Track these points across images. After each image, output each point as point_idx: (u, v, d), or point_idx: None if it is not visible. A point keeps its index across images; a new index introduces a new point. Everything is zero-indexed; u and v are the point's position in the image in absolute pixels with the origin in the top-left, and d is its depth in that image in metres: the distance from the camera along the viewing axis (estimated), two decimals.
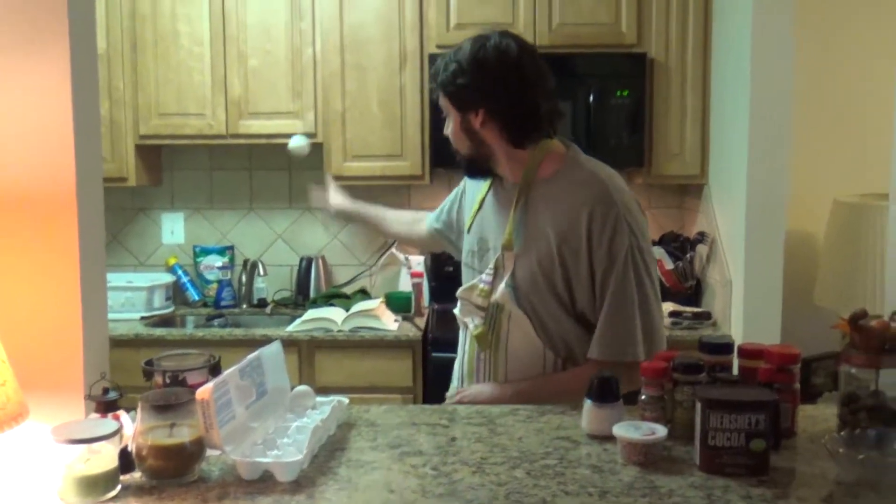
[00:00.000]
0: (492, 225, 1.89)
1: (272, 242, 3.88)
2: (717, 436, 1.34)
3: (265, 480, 1.34)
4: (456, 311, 1.95)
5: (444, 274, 3.61)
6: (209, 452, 1.37)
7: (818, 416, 1.64)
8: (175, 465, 1.33)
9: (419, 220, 2.29)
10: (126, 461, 1.33)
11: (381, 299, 3.52)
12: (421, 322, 3.41)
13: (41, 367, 1.55)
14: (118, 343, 3.05)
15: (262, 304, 3.74)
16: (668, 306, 3.28)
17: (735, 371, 1.58)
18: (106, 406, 1.43)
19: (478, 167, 1.90)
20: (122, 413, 1.45)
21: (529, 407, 1.72)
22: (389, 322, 3.34)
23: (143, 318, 3.48)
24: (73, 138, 1.56)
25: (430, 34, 3.40)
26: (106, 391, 1.44)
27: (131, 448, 1.34)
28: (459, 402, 1.84)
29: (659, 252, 3.41)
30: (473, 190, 2.02)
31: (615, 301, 1.73)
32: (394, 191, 3.79)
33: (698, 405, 1.37)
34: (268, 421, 1.52)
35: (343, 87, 3.44)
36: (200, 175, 3.87)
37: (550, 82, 1.81)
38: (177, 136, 3.52)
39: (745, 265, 3.07)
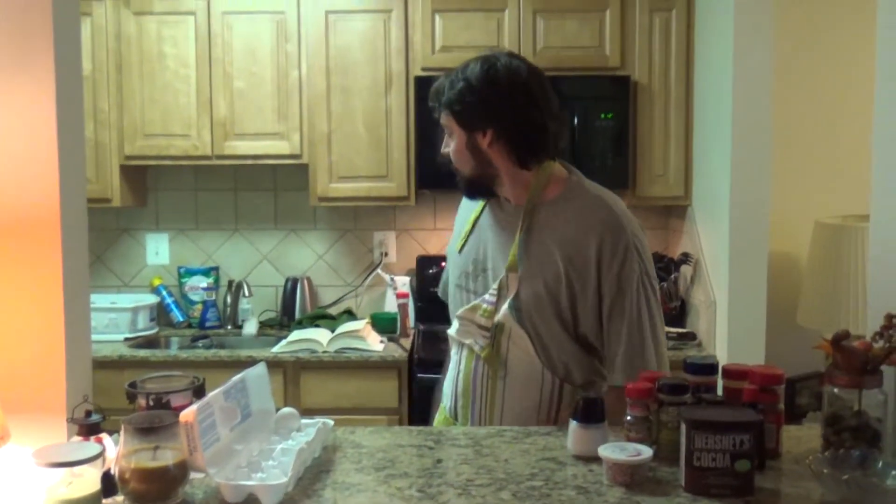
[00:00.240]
0: (490, 246, 1.88)
1: (257, 263, 3.87)
2: (703, 456, 1.34)
3: (250, 503, 1.33)
4: (451, 331, 1.92)
5: (430, 295, 3.60)
6: (193, 475, 1.36)
7: (802, 437, 1.65)
8: (158, 488, 1.32)
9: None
10: (109, 485, 1.32)
11: (366, 320, 3.51)
12: (407, 343, 3.40)
13: (23, 389, 1.53)
14: (101, 365, 3.02)
15: (247, 327, 3.71)
16: None
17: (720, 391, 1.59)
18: (88, 429, 1.41)
19: (479, 187, 1.88)
20: (105, 436, 1.43)
21: (515, 428, 1.72)
22: (375, 343, 3.33)
23: (126, 339, 3.45)
24: (57, 159, 1.56)
25: (416, 57, 3.43)
26: (89, 414, 1.43)
27: (114, 471, 1.33)
28: None
29: None
30: (464, 212, 2.02)
31: (632, 329, 1.74)
32: (379, 212, 3.80)
33: (683, 426, 1.37)
34: (252, 443, 1.51)
35: (329, 109, 3.45)
36: (185, 196, 3.86)
37: (557, 104, 1.83)
38: (162, 157, 3.51)
39: (729, 286, 3.10)
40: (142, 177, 3.78)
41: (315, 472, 1.48)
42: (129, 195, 3.62)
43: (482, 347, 1.82)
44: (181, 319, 3.75)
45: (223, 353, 3.31)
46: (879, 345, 1.48)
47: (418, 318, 3.67)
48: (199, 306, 3.74)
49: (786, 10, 3.37)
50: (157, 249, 3.86)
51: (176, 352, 3.52)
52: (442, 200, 3.75)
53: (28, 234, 1.55)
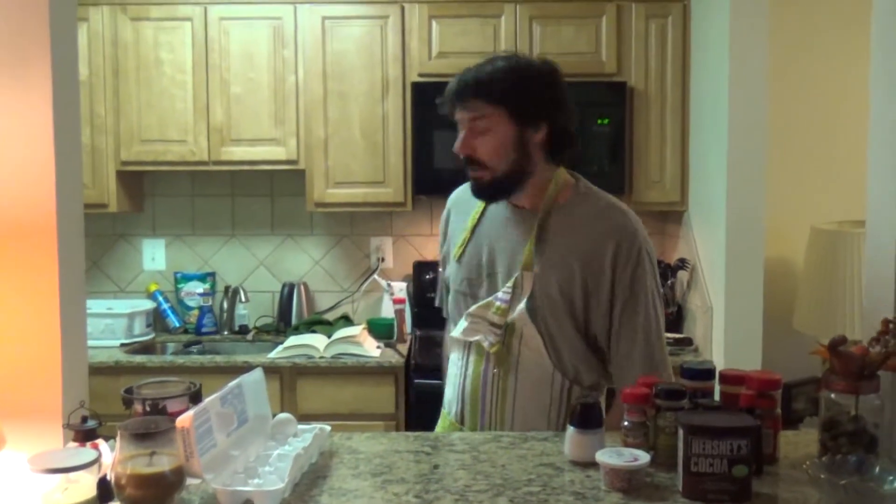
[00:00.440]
0: (499, 248, 1.87)
1: (254, 269, 3.87)
2: (700, 462, 1.34)
3: None
4: (454, 333, 1.91)
5: (427, 300, 3.60)
6: (189, 481, 1.35)
7: (799, 442, 1.65)
8: (155, 494, 1.31)
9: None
10: (105, 491, 1.31)
11: (363, 326, 3.51)
12: (403, 348, 3.40)
13: (19, 394, 1.53)
14: (98, 370, 3.01)
15: (244, 330, 3.71)
16: None
17: (717, 397, 1.59)
18: (84, 435, 1.41)
19: (504, 187, 1.81)
20: (101, 442, 1.43)
21: (512, 433, 1.72)
22: (372, 348, 3.32)
23: (123, 345, 3.44)
24: (53, 165, 1.56)
25: (413, 63, 3.43)
26: (85, 419, 1.43)
27: (110, 477, 1.32)
28: None
29: None
30: (456, 220, 2.01)
31: (648, 330, 1.78)
32: (376, 217, 3.80)
33: (681, 431, 1.37)
34: (249, 449, 1.50)
35: (325, 115, 3.45)
36: (182, 201, 3.85)
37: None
38: (158, 163, 3.51)
39: (726, 291, 3.10)
40: (138, 182, 3.77)
41: (312, 477, 1.47)
42: (126, 201, 3.61)
43: (492, 343, 1.82)
44: (177, 325, 3.74)
45: (219, 358, 3.30)
46: (876, 350, 1.48)
47: (415, 324, 3.66)
48: (196, 312, 3.73)
49: (781, 17, 3.39)
50: (154, 255, 3.86)
51: (172, 357, 3.50)
52: (438, 206, 3.70)
53: (24, 239, 1.55)
